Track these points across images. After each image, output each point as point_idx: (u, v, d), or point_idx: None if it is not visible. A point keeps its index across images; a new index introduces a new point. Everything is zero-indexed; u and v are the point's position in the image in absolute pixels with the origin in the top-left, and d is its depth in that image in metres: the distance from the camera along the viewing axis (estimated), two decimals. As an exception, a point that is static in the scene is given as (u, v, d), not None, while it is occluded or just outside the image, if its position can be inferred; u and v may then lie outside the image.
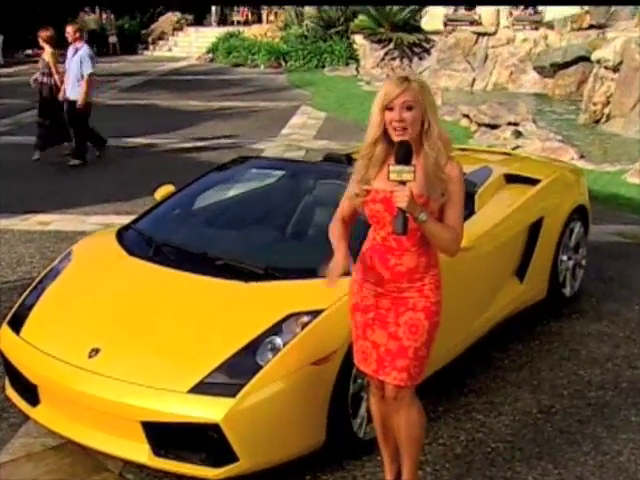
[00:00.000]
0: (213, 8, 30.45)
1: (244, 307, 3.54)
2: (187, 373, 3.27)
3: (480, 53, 20.96)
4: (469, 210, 4.53)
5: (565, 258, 5.33)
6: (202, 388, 3.20)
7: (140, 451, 3.28)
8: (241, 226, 4.40)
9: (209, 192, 4.74)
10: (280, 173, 4.83)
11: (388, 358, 2.97)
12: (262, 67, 22.51)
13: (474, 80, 20.98)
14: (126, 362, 3.40)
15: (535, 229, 4.97)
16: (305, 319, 3.39)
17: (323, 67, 21.59)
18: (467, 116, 13.17)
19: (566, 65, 18.60)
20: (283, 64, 22.44)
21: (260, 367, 3.24)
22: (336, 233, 3.06)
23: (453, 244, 2.92)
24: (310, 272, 3.65)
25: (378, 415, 3.20)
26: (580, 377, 4.45)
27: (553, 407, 4.11)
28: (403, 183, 2.72)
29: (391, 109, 2.81)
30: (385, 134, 2.88)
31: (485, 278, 4.51)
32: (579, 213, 5.40)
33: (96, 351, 3.46)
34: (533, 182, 5.17)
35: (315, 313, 3.41)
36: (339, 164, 4.53)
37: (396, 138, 2.82)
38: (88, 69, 10.18)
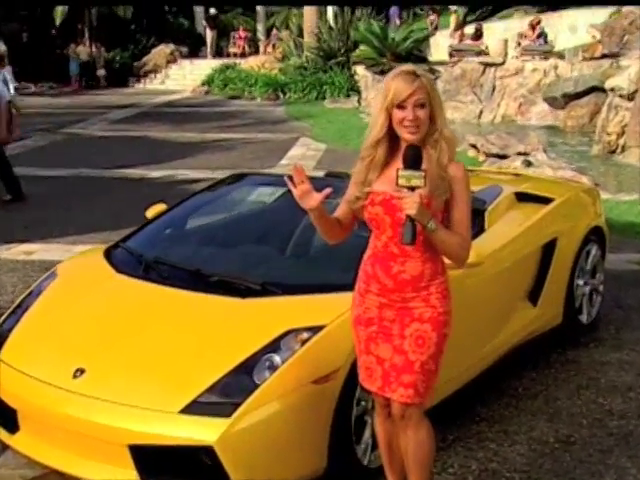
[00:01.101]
0: (208, 40, 30.86)
1: (240, 324, 3.52)
2: (179, 392, 3.22)
3: (487, 84, 21.15)
4: (478, 228, 4.53)
5: (581, 283, 5.29)
6: (195, 408, 3.15)
7: (127, 478, 3.21)
8: (236, 242, 4.40)
9: (202, 210, 4.74)
10: (277, 189, 4.82)
11: (393, 373, 2.93)
12: (259, 99, 22.74)
13: (481, 112, 21.14)
14: (113, 382, 3.36)
15: (549, 250, 4.95)
16: (305, 335, 3.35)
17: (323, 99, 21.80)
18: (474, 146, 13.24)
19: (578, 96, 18.72)
20: (281, 96, 22.67)
21: (257, 386, 3.20)
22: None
23: (462, 251, 2.90)
24: (310, 288, 3.64)
25: (384, 437, 3.15)
26: (600, 406, 4.39)
27: (572, 436, 4.05)
28: (412, 189, 2.71)
29: (403, 107, 2.80)
30: (388, 135, 2.87)
31: (495, 300, 4.47)
32: (595, 235, 5.38)
33: (81, 371, 3.42)
34: (546, 201, 5.17)
35: (315, 329, 3.38)
36: (339, 178, 4.53)
37: (408, 137, 2.81)
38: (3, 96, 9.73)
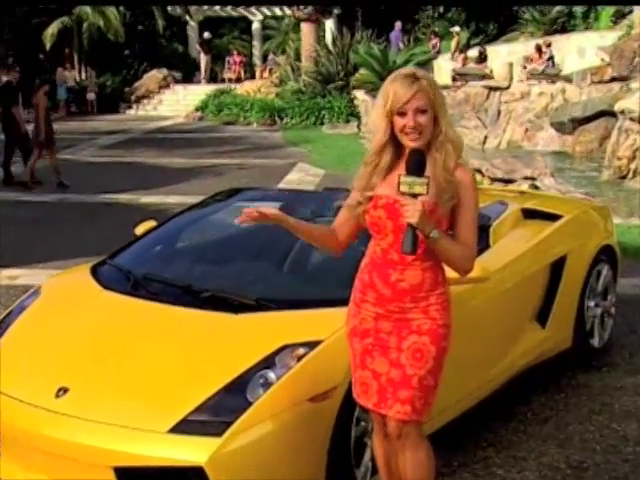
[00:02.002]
0: (202, 65, 31.12)
1: (233, 339, 3.51)
2: (167, 411, 3.19)
3: (492, 109, 21.28)
4: (483, 244, 4.52)
5: (592, 304, 5.27)
6: (184, 427, 3.12)
7: (112, 502, 3.16)
8: (229, 258, 4.41)
9: (194, 226, 4.75)
10: (271, 205, 4.82)
11: (390, 389, 2.90)
12: (255, 125, 22.87)
13: (486, 138, 21.22)
14: (98, 401, 3.34)
15: (557, 270, 4.93)
16: (301, 351, 3.33)
17: (322, 124, 21.93)
18: (479, 171, 13.26)
19: (587, 120, 18.80)
20: (278, 121, 22.79)
21: (250, 404, 3.17)
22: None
23: (467, 261, 2.89)
24: (306, 303, 3.63)
25: (382, 456, 3.11)
26: (614, 431, 4.35)
27: (584, 462, 4.00)
28: (414, 196, 2.70)
29: (403, 114, 2.80)
30: (392, 139, 2.87)
31: (501, 320, 4.45)
32: (606, 254, 5.37)
33: (64, 390, 3.39)
34: (554, 218, 5.16)
35: (312, 345, 3.36)
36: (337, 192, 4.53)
37: (411, 144, 2.81)
38: None
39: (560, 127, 20.14)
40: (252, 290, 3.83)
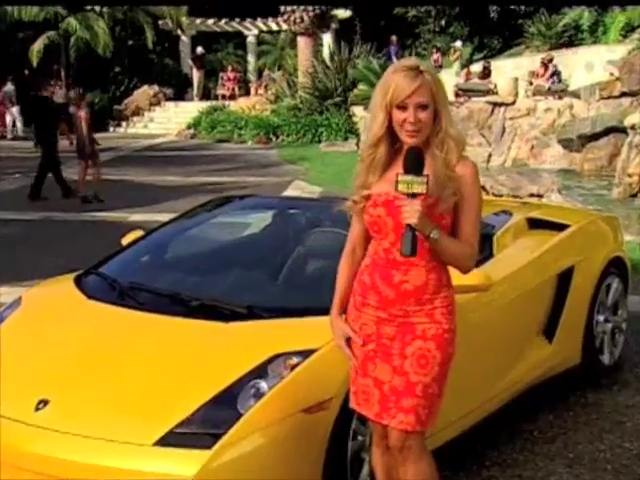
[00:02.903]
0: (195, 81, 31.28)
1: (223, 349, 3.50)
2: (154, 423, 3.17)
3: (497, 125, 21.34)
4: (486, 254, 4.53)
5: (602, 319, 5.25)
6: (171, 439, 3.09)
7: (93, 522, 3.13)
8: (219, 267, 4.43)
9: (184, 235, 4.76)
10: (263, 213, 4.85)
11: (392, 397, 2.87)
12: (250, 142, 22.94)
13: (490, 156, 21.27)
14: (80, 414, 3.31)
15: (564, 282, 4.92)
16: (294, 360, 3.32)
17: (319, 142, 21.99)
18: (483, 187, 13.29)
19: (595, 137, 18.86)
20: (274, 139, 22.87)
21: (241, 415, 3.15)
22: (340, 276, 3.07)
23: (468, 260, 2.88)
24: (299, 311, 3.62)
25: (382, 471, 3.08)
26: (626, 450, 4.32)
27: (595, 482, 3.97)
28: (413, 196, 2.70)
29: (404, 108, 2.79)
30: (389, 133, 2.87)
31: (505, 333, 4.44)
32: (616, 267, 5.36)
33: (44, 403, 3.36)
34: (560, 228, 5.16)
35: (306, 353, 3.34)
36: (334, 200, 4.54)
37: (408, 140, 2.80)
38: None
39: (568, 144, 20.20)
40: (243, 298, 3.83)
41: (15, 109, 26.91)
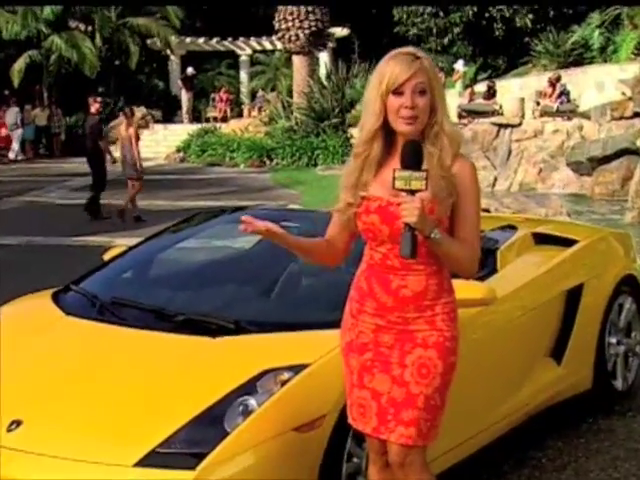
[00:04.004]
0: (184, 103, 31.41)
1: (210, 365, 3.49)
2: (134, 442, 3.15)
3: (502, 148, 21.40)
4: (489, 269, 4.53)
5: (614, 341, 5.22)
6: (153, 460, 3.07)
7: None
8: (205, 282, 4.43)
9: (169, 250, 4.76)
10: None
11: (391, 410, 2.85)
12: (242, 166, 22.99)
13: (496, 179, 21.30)
14: (56, 434, 3.29)
15: (573, 300, 4.90)
16: (285, 376, 3.30)
17: (315, 165, 22.03)
18: (487, 210, 13.28)
19: (607, 159, 18.88)
20: (268, 162, 22.92)
21: (228, 434, 3.13)
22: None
23: (471, 263, 2.87)
24: (290, 326, 3.61)
25: (379, 491, 3.04)
26: (641, 478, 4.28)
27: (608, 511, 3.93)
28: (412, 192, 2.67)
29: (400, 93, 2.78)
30: (384, 129, 2.86)
31: (510, 352, 4.42)
32: (628, 285, 5.34)
33: (17, 423, 3.33)
34: (568, 244, 5.15)
35: (297, 369, 3.33)
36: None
37: (405, 129, 2.79)
38: None
39: (577, 167, 20.23)
40: (230, 313, 3.82)
41: (19, 132, 27.06)
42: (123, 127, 14.48)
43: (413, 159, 2.70)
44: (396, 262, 2.83)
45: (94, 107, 14.97)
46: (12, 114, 27.15)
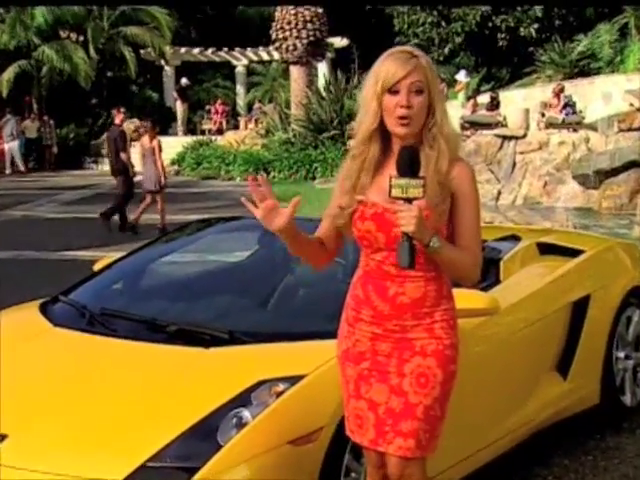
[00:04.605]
0: (179, 115, 31.49)
1: (203, 376, 3.49)
2: (124, 457, 3.14)
3: (506, 160, 21.41)
4: (492, 280, 4.54)
5: (622, 355, 5.21)
6: (143, 474, 3.06)
7: None
8: (199, 292, 4.45)
9: (161, 259, 4.77)
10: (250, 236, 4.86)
11: (389, 421, 2.84)
12: (238, 179, 22.99)
13: (499, 193, 21.29)
14: (42, 449, 3.27)
15: (580, 313, 4.89)
16: (280, 387, 3.30)
17: (313, 179, 22.04)
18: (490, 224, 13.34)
19: (614, 172, 18.88)
20: (264, 175, 22.87)
21: (221, 447, 3.12)
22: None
23: (472, 269, 2.86)
24: (285, 336, 3.63)
25: (378, 507, 3.02)
26: (649, 496, 4.26)
27: (616, 530, 3.91)
28: (409, 200, 2.67)
29: (395, 92, 2.77)
30: (380, 131, 2.85)
31: (513, 366, 4.41)
32: (637, 297, 5.33)
33: (1, 438, 3.31)
34: (574, 255, 5.15)
35: (293, 380, 3.33)
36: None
37: (400, 130, 2.78)
38: None
39: (584, 180, 20.22)
40: (224, 323, 3.82)
41: (15, 143, 27.13)
42: (146, 139, 14.66)
43: (410, 166, 2.69)
44: (393, 269, 2.83)
45: (118, 118, 15.20)
46: (9, 125, 27.25)
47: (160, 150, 14.46)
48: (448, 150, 2.82)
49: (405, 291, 2.83)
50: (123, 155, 14.59)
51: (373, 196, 2.85)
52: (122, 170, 14.76)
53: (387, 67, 2.79)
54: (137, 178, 15.30)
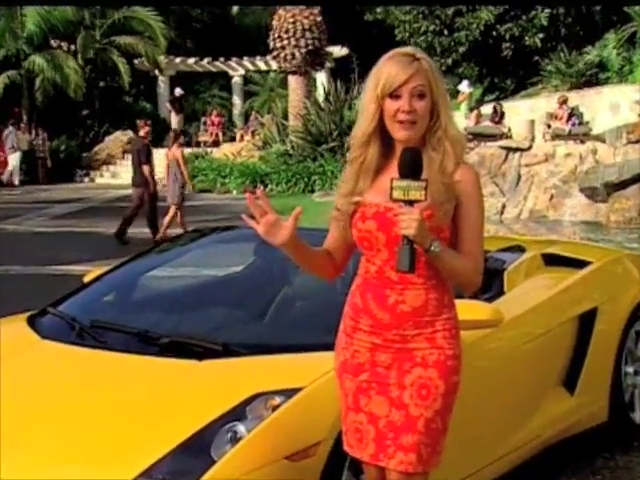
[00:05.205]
0: (173, 126, 31.47)
1: (196, 389, 3.48)
2: (113, 473, 3.13)
3: (511, 173, 21.41)
4: (496, 291, 4.56)
5: (631, 371, 5.21)
6: (132, 492, 3.04)
7: None
8: (192, 304, 4.45)
9: (153, 271, 4.77)
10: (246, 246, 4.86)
11: (390, 434, 2.83)
12: (235, 192, 23.03)
13: (504, 206, 21.26)
14: (28, 465, 3.25)
15: (587, 326, 4.89)
16: (276, 400, 3.30)
17: (312, 192, 22.05)
18: (496, 238, 13.33)
19: (623, 185, 18.88)
20: (262, 188, 22.90)
21: (214, 462, 3.11)
22: None
23: (474, 275, 2.86)
24: (282, 348, 3.63)
25: (378, 524, 3.01)
26: (659, 517, 4.25)
27: None
28: (410, 203, 2.68)
29: (397, 96, 2.78)
30: (380, 133, 2.86)
31: (518, 381, 4.41)
32: (646, 311, 5.33)
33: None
34: (581, 266, 5.15)
35: (289, 393, 3.33)
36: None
37: (402, 134, 2.80)
38: None
39: (591, 193, 20.21)
40: (219, 335, 3.83)
41: (16, 155, 27.22)
42: (174, 148, 15.06)
43: (411, 168, 2.70)
44: (393, 275, 2.82)
45: (143, 130, 15.34)
46: (11, 137, 27.38)
47: (184, 162, 14.86)
48: (454, 152, 2.83)
49: (405, 299, 2.83)
50: (146, 168, 14.72)
51: (374, 198, 2.86)
52: (140, 183, 14.92)
53: (388, 70, 2.79)
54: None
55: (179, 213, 15.00)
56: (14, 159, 27.50)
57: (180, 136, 15.66)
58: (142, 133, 15.40)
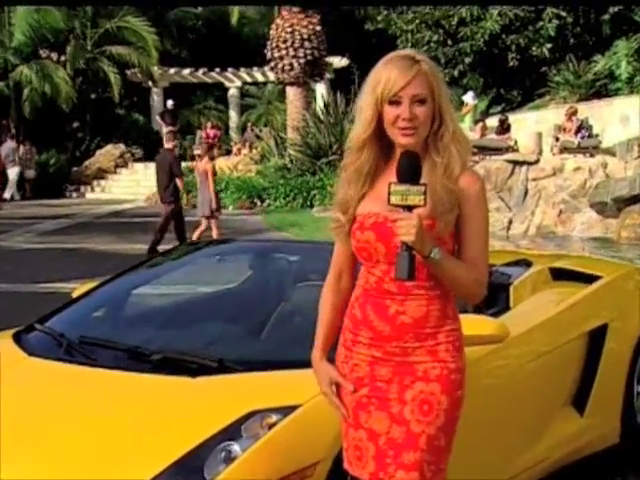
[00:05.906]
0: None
1: (189, 407, 3.48)
2: (102, 494, 3.10)
3: (518, 187, 21.41)
4: (501, 306, 4.57)
5: (643, 390, 5.20)
6: (121, 514, 3.03)
7: None
8: (186, 320, 4.45)
9: (145, 285, 4.77)
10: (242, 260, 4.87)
11: (391, 452, 2.82)
12: (231, 208, 23.05)
13: (511, 222, 21.26)
14: (13, 485, 3.23)
15: (596, 344, 4.88)
16: (273, 418, 3.29)
17: (311, 207, 22.11)
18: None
19: (634, 200, 18.87)
20: (259, 203, 22.99)
21: (208, 483, 3.09)
22: (322, 308, 3.03)
23: (477, 286, 2.85)
24: (278, 364, 3.64)
25: None
26: (673, 541, 4.23)
27: None
28: (409, 209, 2.67)
29: (397, 103, 2.78)
30: (378, 136, 2.86)
31: (526, 398, 4.40)
32: (659, 329, 5.32)
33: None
34: (590, 281, 5.15)
35: (287, 410, 3.32)
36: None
37: (403, 140, 2.79)
38: None
39: (601, 208, 20.20)
40: (213, 351, 3.83)
41: (15, 170, 27.28)
42: (205, 160, 15.17)
43: (411, 172, 2.69)
44: (393, 286, 2.82)
45: (170, 143, 15.27)
46: (7, 149, 27.48)
47: (214, 174, 14.93)
48: (459, 156, 2.83)
49: (406, 310, 2.82)
50: (179, 182, 14.75)
51: (372, 206, 2.86)
52: (170, 199, 14.82)
53: (387, 75, 2.78)
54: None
55: (213, 227, 15.08)
56: (13, 173, 27.57)
57: (214, 148, 15.44)
58: (170, 145, 15.32)
